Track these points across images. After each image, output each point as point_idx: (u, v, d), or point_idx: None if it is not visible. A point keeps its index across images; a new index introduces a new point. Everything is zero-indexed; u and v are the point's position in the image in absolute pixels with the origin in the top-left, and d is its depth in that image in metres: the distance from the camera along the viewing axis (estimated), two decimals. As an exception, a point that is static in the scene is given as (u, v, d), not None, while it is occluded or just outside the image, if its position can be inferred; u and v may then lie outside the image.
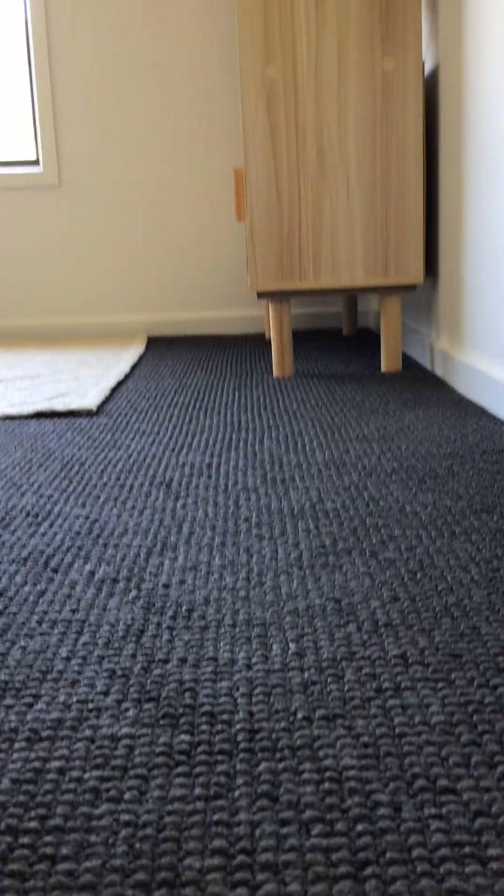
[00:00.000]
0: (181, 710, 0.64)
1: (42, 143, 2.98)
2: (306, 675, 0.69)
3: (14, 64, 3.02)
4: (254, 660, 0.71)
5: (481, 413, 1.61)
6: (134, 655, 0.73)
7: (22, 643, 0.76)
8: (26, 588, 0.88)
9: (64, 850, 0.49)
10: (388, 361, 2.11)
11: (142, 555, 0.97)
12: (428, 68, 2.11)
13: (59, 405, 1.80)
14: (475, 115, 1.71)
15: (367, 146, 1.97)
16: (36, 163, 3.05)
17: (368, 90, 1.95)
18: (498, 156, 1.58)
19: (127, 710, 0.64)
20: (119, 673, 0.70)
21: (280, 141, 1.96)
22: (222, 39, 2.92)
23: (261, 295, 2.06)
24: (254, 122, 1.96)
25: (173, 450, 1.44)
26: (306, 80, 1.94)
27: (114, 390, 2.03)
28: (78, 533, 1.05)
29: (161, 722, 0.62)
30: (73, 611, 0.82)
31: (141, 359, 2.54)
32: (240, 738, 0.60)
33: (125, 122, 2.97)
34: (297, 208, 1.99)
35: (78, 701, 0.66)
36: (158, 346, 2.83)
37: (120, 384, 2.12)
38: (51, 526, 1.08)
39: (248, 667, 0.70)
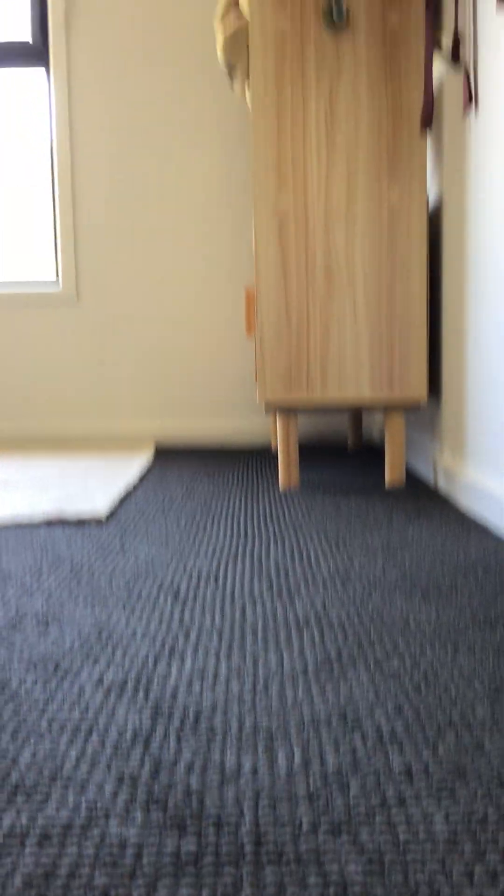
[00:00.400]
0: (189, 816, 0.65)
1: (62, 263, 3.12)
2: (312, 784, 0.70)
3: (35, 183, 3.19)
4: (260, 768, 0.72)
5: (483, 529, 1.64)
6: (142, 760, 0.74)
7: (32, 745, 0.77)
8: (36, 691, 0.90)
9: None
10: (391, 475, 2.15)
11: (150, 660, 0.98)
12: (432, 199, 2.23)
13: (69, 511, 1.83)
14: (476, 244, 1.80)
15: (374, 270, 2.07)
16: (55, 282, 3.18)
17: (375, 219, 2.06)
18: (496, 282, 1.66)
19: (135, 814, 0.65)
20: (127, 777, 0.71)
21: (290, 263, 2.07)
22: (237, 167, 3.10)
23: (268, 407, 2.13)
24: (266, 246, 2.07)
25: (181, 557, 1.47)
26: (316, 209, 2.05)
27: (123, 497, 2.07)
28: (87, 637, 1.06)
29: (168, 827, 0.63)
30: (82, 714, 0.84)
31: (149, 466, 2.59)
32: (246, 845, 0.61)
33: (142, 243, 3.12)
34: (305, 326, 2.08)
35: (87, 804, 0.67)
36: (167, 454, 2.88)
37: (129, 491, 2.16)
38: (60, 630, 1.09)
39: (255, 775, 0.71)
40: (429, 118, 1.96)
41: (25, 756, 0.75)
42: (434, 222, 2.20)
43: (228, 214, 3.11)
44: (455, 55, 1.84)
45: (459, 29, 1.89)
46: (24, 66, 3.12)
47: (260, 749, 0.76)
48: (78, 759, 0.74)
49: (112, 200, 3.11)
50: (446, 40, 2.05)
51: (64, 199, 3.10)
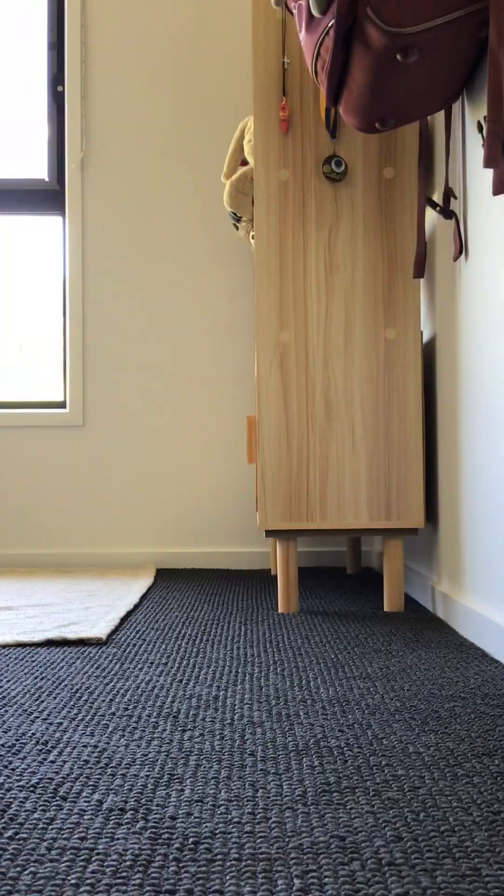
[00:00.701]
0: (188, 942, 0.65)
1: (70, 388, 3.22)
2: (311, 911, 0.70)
3: (44, 314, 3.34)
4: (259, 894, 0.73)
5: (482, 656, 1.65)
6: (141, 885, 0.74)
7: (32, 869, 0.77)
8: (35, 815, 0.90)
9: None
10: (390, 601, 2.17)
11: (149, 785, 0.99)
12: (427, 336, 2.34)
13: (70, 633, 1.84)
14: (467, 378, 1.89)
15: (371, 402, 2.15)
16: (63, 405, 3.28)
17: (372, 354, 2.16)
18: (488, 415, 1.73)
19: (135, 939, 0.65)
20: (127, 902, 0.71)
21: (291, 395, 2.15)
22: (241, 303, 3.24)
23: (268, 534, 2.16)
24: (267, 379, 2.16)
25: (181, 681, 1.47)
26: (316, 345, 2.15)
27: (123, 620, 2.08)
28: (86, 762, 1.07)
29: None
30: (82, 839, 0.84)
31: (150, 590, 2.60)
32: None
33: (147, 373, 3.23)
34: (305, 455, 2.14)
35: (87, 928, 0.67)
36: (167, 577, 2.89)
37: (129, 614, 2.17)
38: (59, 754, 1.10)
39: (254, 901, 0.71)
40: (421, 269, 2.09)
41: (25, 879, 0.75)
42: (428, 357, 2.30)
43: (232, 346, 3.24)
44: (446, 207, 1.98)
45: (449, 182, 2.03)
46: (41, 210, 3.32)
47: (259, 876, 0.76)
48: (78, 884, 0.74)
49: (120, 331, 3.24)
50: (438, 192, 2.20)
51: (74, 329, 3.23)
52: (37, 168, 3.35)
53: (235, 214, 2.55)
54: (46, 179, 3.31)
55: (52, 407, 3.28)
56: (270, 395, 2.15)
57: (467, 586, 1.90)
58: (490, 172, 1.73)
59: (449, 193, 1.98)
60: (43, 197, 3.33)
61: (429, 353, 2.30)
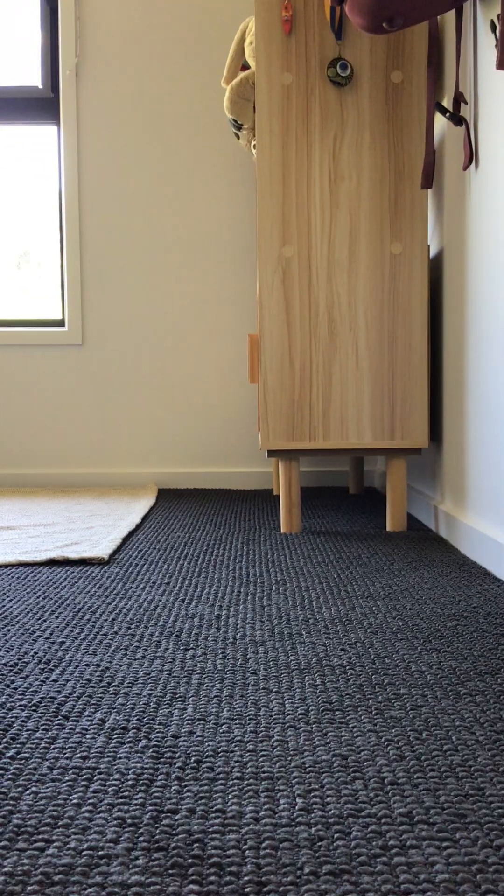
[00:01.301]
0: (190, 861, 0.65)
1: (68, 306, 3.16)
2: (313, 830, 0.70)
3: (44, 229, 3.25)
4: (262, 813, 0.73)
5: (485, 575, 1.65)
6: (143, 804, 0.74)
7: (33, 788, 0.77)
8: (38, 734, 0.90)
9: None
10: (393, 521, 2.16)
11: (151, 704, 0.99)
12: (433, 250, 2.27)
13: (72, 553, 1.84)
14: (476, 294, 1.83)
15: (376, 319, 2.10)
16: (62, 323, 3.22)
17: (377, 270, 2.10)
18: (496, 332, 1.69)
19: (137, 858, 0.65)
20: (129, 821, 0.71)
21: (294, 312, 2.10)
22: (242, 216, 3.15)
23: (271, 453, 2.14)
24: (269, 295, 2.10)
25: (183, 601, 1.47)
26: (319, 259, 2.09)
27: (125, 540, 2.08)
28: (89, 681, 1.07)
29: (170, 871, 0.63)
30: (84, 758, 0.84)
31: (152, 510, 2.59)
32: (248, 890, 0.61)
33: (147, 290, 3.16)
34: (308, 374, 2.10)
35: (88, 847, 0.67)
36: (169, 497, 2.89)
37: (131, 534, 2.16)
38: (62, 673, 1.10)
39: (256, 820, 0.71)
40: (429, 178, 2.01)
41: (27, 799, 0.75)
42: (435, 272, 2.24)
43: (233, 262, 3.16)
44: (456, 112, 1.89)
45: (460, 87, 1.94)
46: (35, 119, 3.20)
47: (262, 795, 0.76)
48: (79, 803, 0.74)
49: (118, 247, 3.16)
50: (448, 98, 2.10)
51: (71, 245, 3.15)
52: (30, 75, 3.21)
53: (236, 122, 2.45)
54: (40, 87, 3.18)
55: (50, 325, 3.23)
56: (272, 312, 2.10)
57: (470, 505, 1.88)
58: (503, 74, 1.65)
59: (459, 98, 1.89)
60: (37, 105, 3.20)
61: (435, 269, 2.24)
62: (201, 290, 3.17)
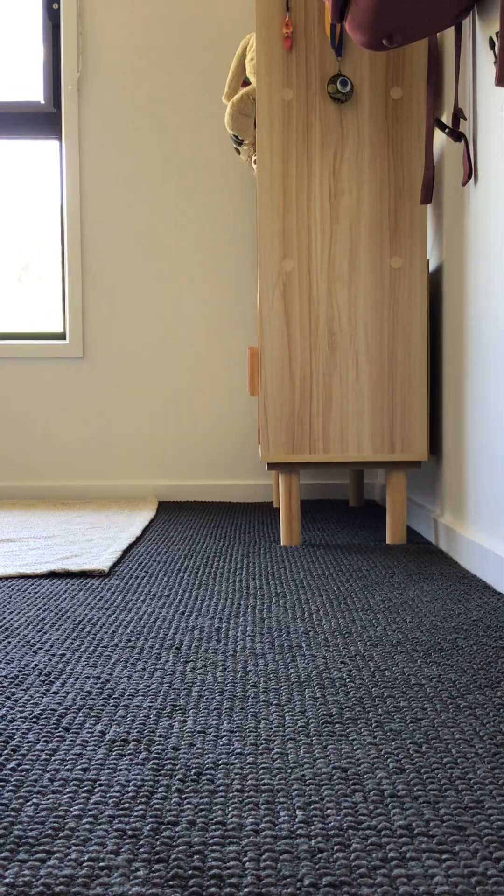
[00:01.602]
0: (190, 872, 0.65)
1: (69, 319, 3.17)
2: (313, 842, 0.70)
3: (45, 241, 3.27)
4: (262, 825, 0.73)
5: (485, 588, 1.65)
6: (144, 816, 0.74)
7: (34, 800, 0.77)
8: (38, 746, 0.90)
9: None
10: (392, 534, 2.17)
11: (152, 716, 0.99)
12: (433, 265, 2.29)
13: (72, 565, 1.84)
14: (475, 308, 1.84)
15: (376, 332, 2.11)
16: (63, 336, 3.23)
17: (377, 284, 2.11)
18: (495, 345, 1.70)
19: (137, 870, 0.65)
20: (129, 833, 0.71)
21: (294, 325, 2.11)
22: (243, 230, 3.17)
23: (271, 466, 2.15)
24: (270, 308, 2.11)
25: (183, 613, 1.47)
26: (319, 273, 2.10)
27: (125, 552, 2.08)
28: (89, 693, 1.07)
29: (170, 883, 0.64)
30: (85, 770, 0.84)
31: (152, 522, 2.60)
32: (248, 902, 0.61)
33: (148, 303, 3.18)
34: (308, 387, 2.11)
35: (89, 859, 0.67)
36: (169, 510, 2.90)
37: (131, 547, 2.17)
38: (63, 685, 1.10)
39: (256, 832, 0.72)
40: (429, 193, 2.02)
41: (28, 810, 0.75)
42: (435, 287, 2.25)
43: (233, 275, 3.18)
44: (455, 128, 1.91)
45: (459, 103, 1.96)
46: (37, 134, 3.22)
47: (262, 807, 0.76)
48: (80, 815, 0.74)
49: (119, 260, 3.18)
50: (447, 113, 2.12)
51: (72, 258, 3.17)
52: (31, 90, 3.24)
53: (237, 137, 2.47)
54: (42, 102, 3.20)
55: (51, 338, 3.24)
56: (273, 325, 2.12)
57: (470, 519, 1.89)
58: (502, 91, 1.66)
59: (458, 114, 1.91)
60: (39, 120, 3.23)
61: (435, 283, 2.25)
62: (202, 303, 3.18)
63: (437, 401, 2.22)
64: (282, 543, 2.18)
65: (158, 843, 0.70)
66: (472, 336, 1.88)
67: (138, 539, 2.29)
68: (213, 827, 0.72)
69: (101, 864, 0.66)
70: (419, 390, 2.12)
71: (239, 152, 2.57)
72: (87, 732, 0.94)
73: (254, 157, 2.50)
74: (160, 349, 3.19)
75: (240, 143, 2.49)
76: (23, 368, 3.19)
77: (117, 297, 3.18)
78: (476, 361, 1.84)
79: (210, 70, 3.15)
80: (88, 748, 0.89)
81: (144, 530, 2.44)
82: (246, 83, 2.49)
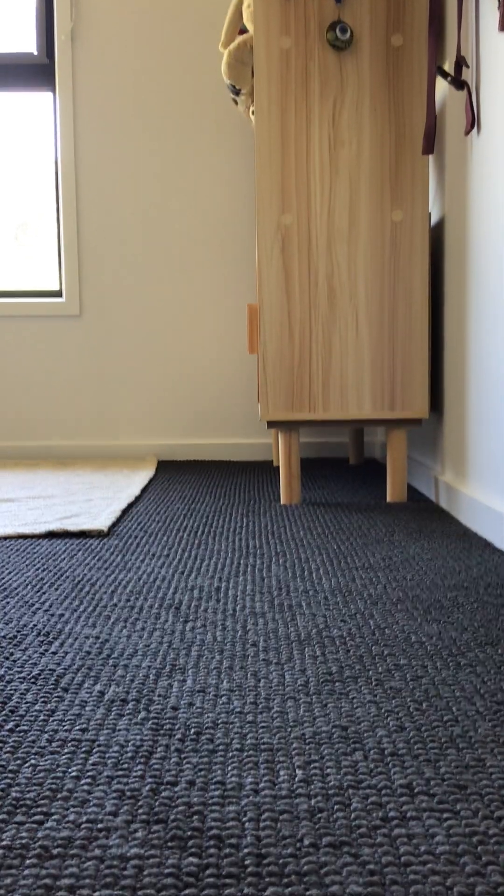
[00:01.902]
0: (189, 833, 0.65)
1: (66, 276, 3.13)
2: (313, 801, 0.69)
3: (42, 199, 3.22)
4: (261, 785, 0.72)
5: (485, 546, 1.64)
6: (143, 777, 0.74)
7: (32, 761, 0.77)
8: (37, 707, 0.90)
9: None
10: (393, 492, 2.16)
11: (151, 676, 0.98)
12: (435, 218, 2.24)
13: (71, 525, 1.83)
14: (477, 262, 1.81)
15: (376, 287, 2.08)
16: (59, 294, 3.19)
17: (378, 238, 2.07)
18: (499, 300, 1.67)
19: (136, 830, 0.65)
20: (128, 794, 0.71)
21: (293, 281, 2.08)
22: (241, 184, 3.11)
23: (270, 424, 2.13)
24: (269, 264, 2.08)
25: (182, 573, 1.47)
26: (319, 228, 2.07)
27: (124, 512, 2.07)
28: (88, 653, 1.06)
29: (169, 844, 0.63)
30: (83, 730, 0.84)
31: (151, 482, 2.59)
32: (247, 862, 0.61)
33: (145, 260, 3.13)
34: (307, 344, 2.08)
35: (87, 820, 0.66)
36: (168, 469, 2.88)
37: (130, 506, 2.16)
38: (61, 645, 1.09)
39: (256, 792, 0.71)
40: (431, 144, 1.98)
41: (25, 772, 0.75)
42: (436, 240, 2.22)
43: (232, 231, 3.13)
44: (458, 76, 1.86)
45: (461, 50, 1.90)
46: (30, 86, 3.15)
47: (261, 766, 0.76)
48: (78, 776, 0.74)
49: (116, 216, 3.13)
50: (449, 61, 2.07)
51: (68, 213, 3.12)
52: (24, 41, 3.16)
53: (234, 87, 2.41)
54: (35, 53, 3.13)
55: (48, 296, 3.20)
56: (272, 281, 2.08)
57: (471, 476, 1.87)
58: (506, 37, 1.61)
59: (461, 62, 1.85)
60: (32, 72, 3.15)
61: (437, 236, 2.21)
62: (201, 259, 3.14)
63: (439, 357, 2.19)
64: (282, 502, 2.17)
65: (157, 803, 0.69)
66: (474, 291, 1.84)
67: (138, 499, 2.28)
68: (213, 787, 0.72)
69: (100, 825, 0.66)
70: (420, 347, 2.09)
71: (236, 102, 2.51)
72: (86, 693, 0.93)
73: (251, 108, 2.44)
74: (158, 307, 3.15)
75: (237, 92, 2.43)
76: (19, 327, 3.16)
77: (114, 254, 3.14)
78: (479, 317, 1.81)
79: (206, 18, 3.07)
80: (87, 708, 0.89)
81: (143, 490, 2.43)
82: (243, 31, 2.42)
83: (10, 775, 0.74)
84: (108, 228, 3.13)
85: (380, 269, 2.08)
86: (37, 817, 0.67)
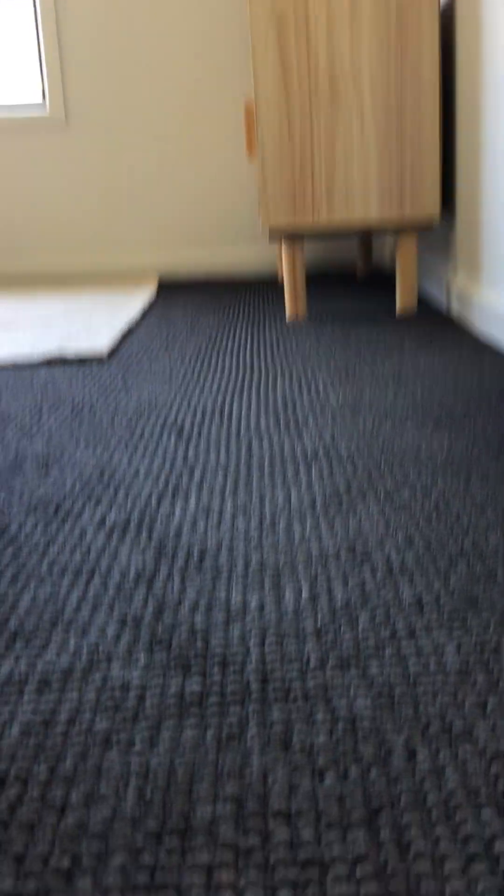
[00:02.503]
0: (193, 656, 0.63)
1: (48, 82, 2.91)
2: (319, 620, 0.68)
3: (17, 4, 2.94)
4: (266, 605, 0.70)
5: (498, 354, 1.58)
6: (145, 601, 0.72)
7: (32, 590, 0.75)
8: (36, 534, 0.88)
9: (73, 799, 0.49)
10: (403, 301, 2.07)
11: (153, 500, 0.96)
12: (445, -7, 2.02)
13: (70, 351, 1.78)
14: (493, 46, 1.64)
15: (382, 76, 1.90)
16: (41, 104, 2.98)
17: (382, 19, 1.87)
18: (518, 84, 1.52)
19: (138, 656, 0.63)
20: (130, 619, 0.69)
21: (291, 73, 1.90)
22: (231, -33, 2.82)
23: (273, 234, 2.02)
24: (264, 55, 1.90)
25: (185, 393, 1.42)
26: (317, 10, 1.87)
27: (125, 334, 2.01)
28: (88, 478, 1.04)
29: (172, 668, 0.62)
30: (84, 557, 0.82)
31: (152, 301, 2.50)
32: (252, 683, 0.59)
33: (133, 59, 2.89)
34: (309, 142, 1.94)
35: (88, 648, 0.65)
36: (170, 289, 2.79)
37: (131, 328, 2.09)
38: (61, 472, 1.06)
39: (261, 612, 0.69)
40: None
41: (25, 601, 0.73)
42: (447, 23, 2.01)
43: (222, 20, 2.86)
44: None
45: None
46: None
47: (266, 586, 0.74)
48: (79, 602, 0.72)
49: (99, 14, 2.86)
50: None
51: (47, 19, 2.85)
52: None
53: None
54: None
55: (29, 109, 2.98)
56: (268, 73, 1.91)
57: (485, 280, 1.78)
58: None
59: None
60: None
61: (447, 17, 2.00)
62: (192, 54, 2.89)
63: (451, 152, 2.04)
64: (287, 317, 2.09)
65: (160, 628, 0.67)
66: (490, 77, 1.68)
67: (138, 319, 2.21)
68: (217, 609, 0.70)
69: (101, 652, 0.64)
70: (430, 142, 1.94)
71: None
72: (87, 519, 0.91)
73: None
74: (151, 111, 2.94)
75: None
76: (1, 141, 2.97)
77: (99, 55, 2.89)
78: (495, 105, 1.66)
79: None
80: (87, 535, 0.87)
81: (145, 310, 2.36)
82: None
83: (9, 605, 0.73)
84: (91, 29, 2.87)
85: (385, 52, 1.89)
86: (37, 646, 0.65)
